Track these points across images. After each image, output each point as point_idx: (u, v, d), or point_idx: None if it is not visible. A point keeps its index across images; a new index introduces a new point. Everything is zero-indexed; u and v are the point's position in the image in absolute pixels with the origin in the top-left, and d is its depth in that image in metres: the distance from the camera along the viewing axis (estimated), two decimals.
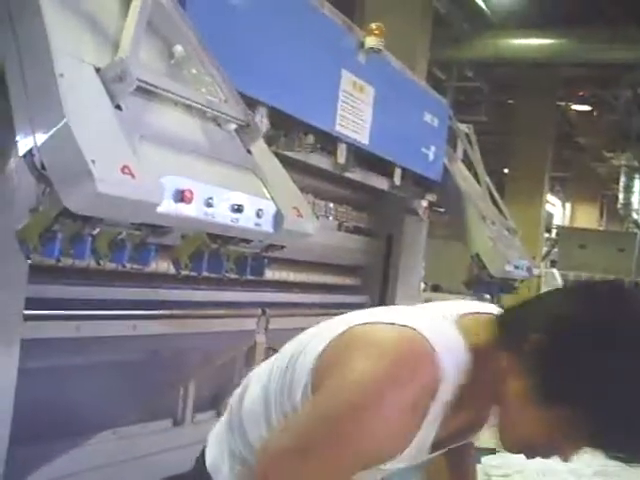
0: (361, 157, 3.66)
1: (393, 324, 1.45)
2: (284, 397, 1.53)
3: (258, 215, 2.05)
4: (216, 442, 1.70)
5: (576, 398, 1.33)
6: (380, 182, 3.97)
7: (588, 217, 23.26)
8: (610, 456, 1.40)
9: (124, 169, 1.61)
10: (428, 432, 1.44)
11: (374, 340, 1.42)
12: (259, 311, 3.24)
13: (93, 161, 1.54)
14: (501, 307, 1.57)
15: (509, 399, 1.43)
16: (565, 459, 1.45)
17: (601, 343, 1.31)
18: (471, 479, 2.00)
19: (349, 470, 1.40)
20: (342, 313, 3.88)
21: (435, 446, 1.51)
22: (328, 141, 3.35)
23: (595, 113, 16.48)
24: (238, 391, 1.72)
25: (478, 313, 1.56)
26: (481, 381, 1.45)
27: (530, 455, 1.50)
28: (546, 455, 1.46)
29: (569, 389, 1.33)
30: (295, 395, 1.50)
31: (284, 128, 3.06)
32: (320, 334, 1.54)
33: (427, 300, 5.83)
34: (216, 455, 1.68)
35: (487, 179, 5.15)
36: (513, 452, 1.53)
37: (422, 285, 5.58)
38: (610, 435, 1.33)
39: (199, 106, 2.07)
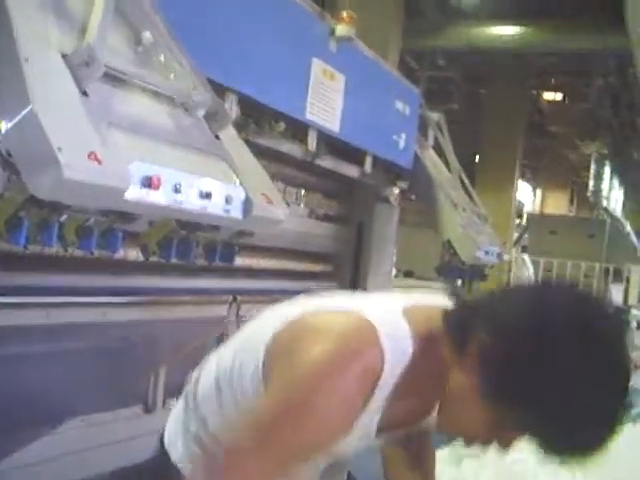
0: (332, 145, 3.66)
1: (343, 311, 1.47)
2: (234, 377, 1.55)
3: (227, 201, 2.05)
4: (173, 420, 1.74)
5: (513, 400, 1.33)
6: (351, 170, 3.97)
7: (559, 204, 23.40)
8: (543, 453, 1.39)
9: (91, 155, 1.61)
10: (372, 417, 1.46)
11: (322, 327, 1.43)
12: (230, 298, 3.23)
13: (59, 148, 1.54)
14: (455, 300, 1.58)
15: (451, 391, 1.45)
16: (503, 449, 1.46)
17: (539, 349, 1.30)
18: (430, 467, 2.02)
19: (301, 459, 1.43)
20: None
21: (380, 431, 1.52)
22: (299, 129, 3.35)
23: (566, 102, 16.56)
24: (195, 373, 1.74)
25: (429, 306, 1.56)
26: (425, 370, 1.46)
27: (468, 443, 1.51)
28: (484, 444, 1.48)
29: (507, 391, 1.34)
30: (245, 375, 1.52)
31: (254, 115, 3.06)
32: (273, 318, 1.55)
33: (398, 287, 5.86)
34: (172, 432, 1.71)
35: (458, 167, 5.19)
36: (451, 437, 1.57)
37: (394, 272, 5.59)
38: (545, 436, 1.35)
39: (167, 93, 2.07)
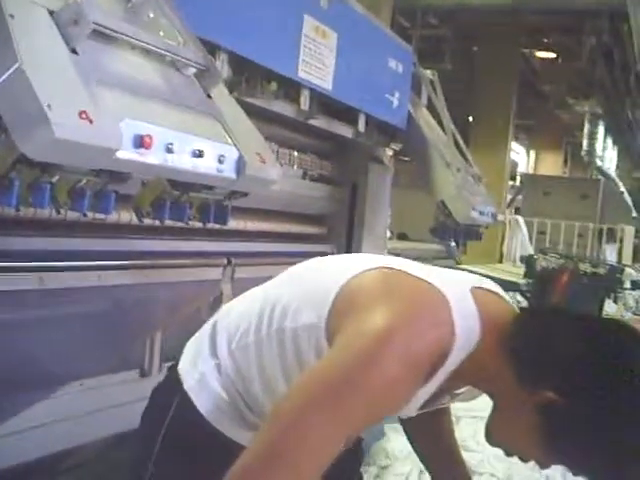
0: (325, 104, 3.63)
1: (419, 277, 1.46)
2: (285, 319, 1.54)
3: (220, 161, 2.02)
4: (193, 348, 1.72)
5: (571, 453, 1.40)
6: (344, 130, 3.94)
7: (552, 164, 23.36)
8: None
9: (81, 114, 1.58)
10: (428, 391, 1.45)
11: (399, 291, 1.42)
12: (224, 261, 3.21)
13: (49, 106, 1.51)
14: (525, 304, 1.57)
15: (505, 412, 1.47)
16: (543, 468, 1.52)
17: (615, 415, 1.34)
18: (450, 437, 2.02)
19: (361, 423, 1.39)
20: None
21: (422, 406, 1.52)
22: (291, 88, 3.31)
23: (559, 61, 16.47)
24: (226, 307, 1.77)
25: (496, 293, 1.56)
26: (480, 362, 1.44)
27: (508, 454, 1.54)
28: (524, 460, 1.52)
29: (567, 447, 1.39)
30: (298, 320, 1.51)
31: (246, 75, 3.02)
32: (338, 268, 1.56)
33: (393, 249, 5.84)
34: (189, 359, 1.69)
35: (452, 126, 5.15)
36: (493, 446, 1.57)
37: (388, 234, 5.57)
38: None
39: (157, 50, 2.04)
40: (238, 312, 1.68)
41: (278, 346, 1.53)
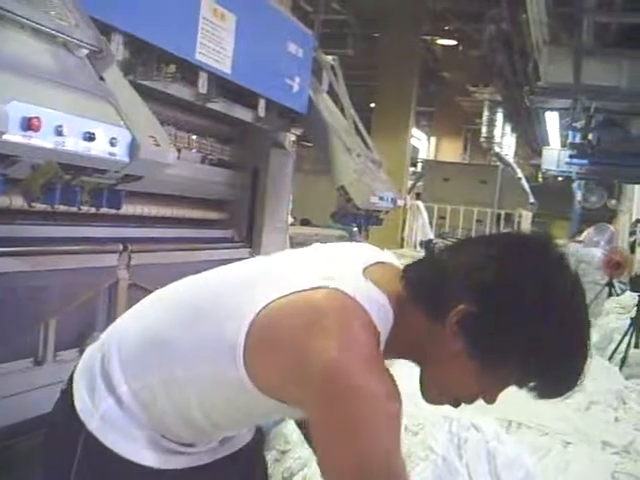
0: (224, 88, 3.59)
1: (316, 289, 1.45)
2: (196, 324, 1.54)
3: (112, 144, 1.98)
4: (84, 387, 1.63)
5: (502, 359, 1.44)
6: (244, 114, 3.90)
7: (453, 151, 23.75)
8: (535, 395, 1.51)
9: None
10: None
11: (310, 319, 1.41)
12: (120, 247, 3.15)
13: None
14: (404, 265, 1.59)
15: (435, 357, 1.50)
16: (490, 402, 1.53)
17: (532, 310, 1.41)
18: None
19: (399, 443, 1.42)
20: (207, 248, 3.84)
21: None
22: (189, 71, 3.26)
23: (460, 48, 16.71)
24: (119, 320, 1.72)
25: (384, 263, 1.59)
26: (405, 336, 1.49)
27: (455, 405, 1.56)
28: (471, 402, 1.54)
29: (496, 353, 1.44)
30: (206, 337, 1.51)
31: (143, 57, 2.96)
32: (239, 296, 1.52)
33: (295, 234, 5.83)
34: (85, 397, 1.60)
35: (353, 112, 5.15)
36: (436, 404, 1.62)
37: (291, 219, 5.56)
38: (535, 381, 1.48)
39: (48, 30, 1.97)
40: (128, 347, 1.61)
41: (188, 385, 1.52)
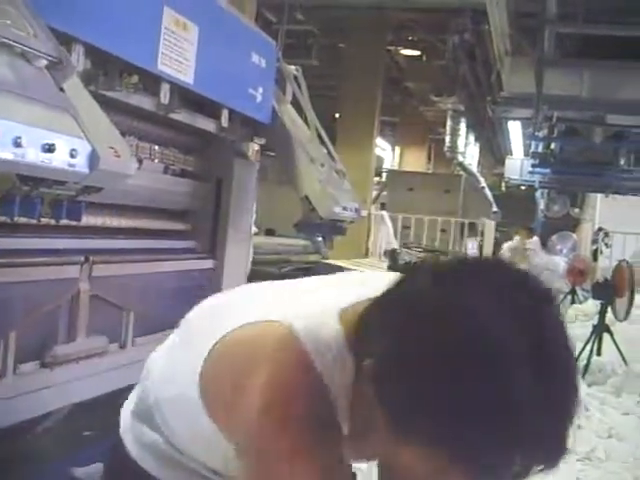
0: (187, 98, 3.58)
1: (264, 333, 1.33)
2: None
3: (72, 155, 1.96)
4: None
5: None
6: (207, 124, 3.89)
7: (417, 160, 23.83)
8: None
9: None
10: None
11: (249, 369, 1.32)
12: (82, 258, 3.12)
13: None
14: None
15: (359, 420, 1.31)
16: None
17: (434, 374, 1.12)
18: None
19: None
20: (170, 259, 3.82)
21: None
22: (151, 81, 3.25)
23: (424, 58, 16.81)
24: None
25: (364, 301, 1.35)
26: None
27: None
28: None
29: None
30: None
31: (105, 67, 2.94)
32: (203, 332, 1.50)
33: (259, 244, 5.81)
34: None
35: (316, 122, 5.16)
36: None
37: (255, 229, 5.55)
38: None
39: (5, 40, 1.95)
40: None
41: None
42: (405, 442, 1.18)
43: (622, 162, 16.64)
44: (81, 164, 1.99)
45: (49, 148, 1.88)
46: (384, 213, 14.77)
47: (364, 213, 5.77)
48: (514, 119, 13.83)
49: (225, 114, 3.91)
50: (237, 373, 1.35)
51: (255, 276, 4.64)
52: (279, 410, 1.25)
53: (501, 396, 1.08)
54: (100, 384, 3.20)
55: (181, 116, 3.60)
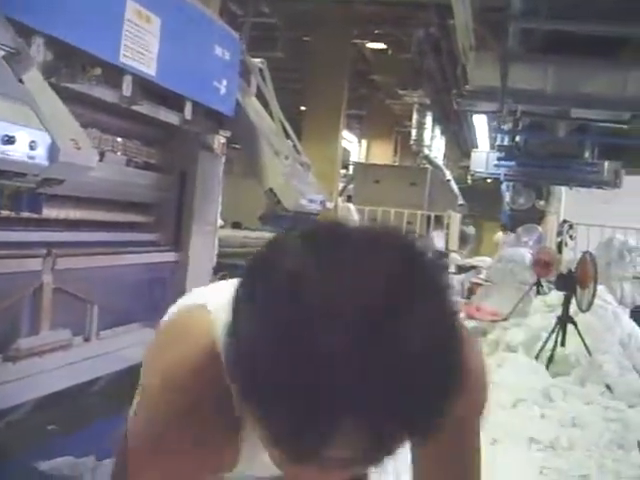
0: (150, 90, 3.57)
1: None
2: None
3: (31, 147, 1.95)
4: None
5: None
6: (170, 116, 3.88)
7: (383, 153, 23.85)
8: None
9: None
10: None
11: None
12: (44, 251, 3.11)
13: None
14: None
15: None
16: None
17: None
18: None
19: None
20: (133, 252, 3.81)
21: None
22: (113, 73, 3.23)
23: (390, 52, 16.82)
24: None
25: None
26: None
27: None
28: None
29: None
30: None
31: (66, 59, 2.93)
32: None
33: (224, 237, 5.80)
34: None
35: (281, 115, 5.17)
36: None
37: (221, 222, 5.54)
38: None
39: None
40: None
41: None
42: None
43: (586, 155, 16.80)
44: (41, 156, 1.98)
45: (8, 140, 1.87)
46: (350, 205, 14.80)
47: (330, 205, 5.79)
48: (479, 112, 13.88)
49: (188, 106, 3.90)
50: (154, 347, 1.35)
51: (221, 269, 4.64)
52: (172, 384, 1.21)
53: (317, 374, 0.90)
54: (65, 377, 3.19)
55: (144, 108, 3.59)
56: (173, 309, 1.45)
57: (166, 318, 1.43)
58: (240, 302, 1.00)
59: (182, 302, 1.44)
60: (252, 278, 1.01)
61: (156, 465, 1.22)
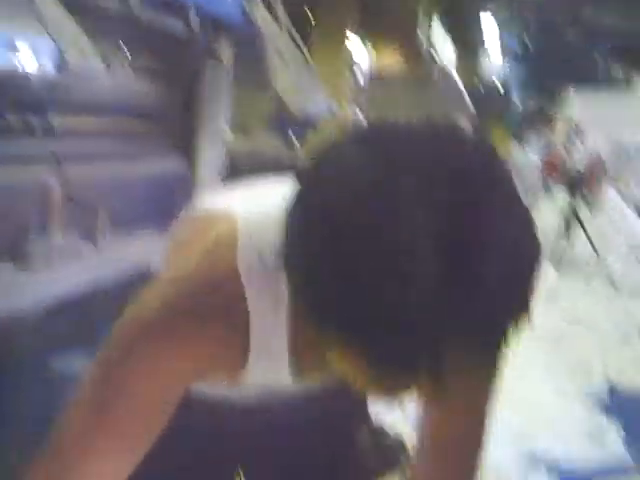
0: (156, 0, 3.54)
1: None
2: None
3: (38, 55, 1.98)
4: None
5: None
6: (176, 25, 3.86)
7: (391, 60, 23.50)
8: None
9: None
10: (270, 331, 1.03)
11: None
12: (52, 160, 3.12)
13: None
14: None
15: None
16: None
17: None
18: None
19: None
20: (143, 161, 3.74)
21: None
22: None
23: None
24: None
25: None
26: None
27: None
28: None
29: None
30: None
31: None
32: None
33: (232, 147, 5.82)
34: None
35: (288, 22, 5.12)
36: None
37: (227, 128, 5.55)
38: None
39: None
40: None
41: None
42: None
43: (596, 56, 16.59)
44: (48, 63, 2.01)
45: (15, 49, 1.90)
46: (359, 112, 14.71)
47: (336, 110, 5.79)
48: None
49: (193, 15, 3.87)
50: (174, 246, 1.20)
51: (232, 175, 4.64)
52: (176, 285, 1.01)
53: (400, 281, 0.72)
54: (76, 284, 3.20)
55: (149, 17, 3.57)
56: (189, 211, 1.33)
57: (182, 219, 1.33)
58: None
59: (198, 204, 1.31)
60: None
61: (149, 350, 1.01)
